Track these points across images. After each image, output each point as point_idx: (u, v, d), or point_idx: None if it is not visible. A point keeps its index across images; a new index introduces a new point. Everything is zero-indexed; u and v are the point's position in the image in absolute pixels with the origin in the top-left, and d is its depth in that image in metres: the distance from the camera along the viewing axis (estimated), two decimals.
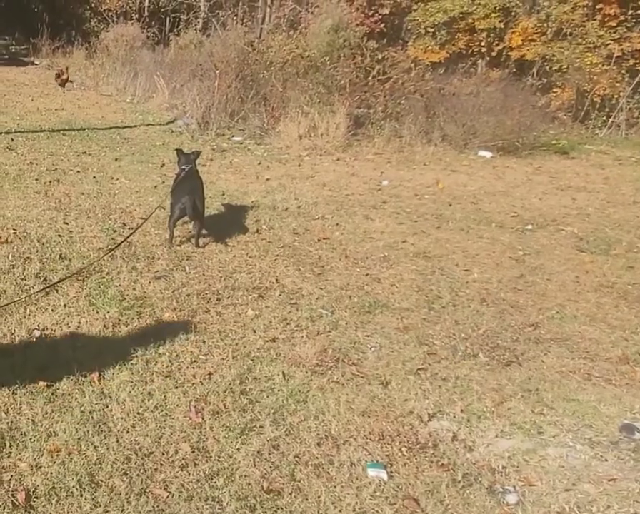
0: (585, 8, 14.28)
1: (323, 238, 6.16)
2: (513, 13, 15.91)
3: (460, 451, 3.14)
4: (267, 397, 3.49)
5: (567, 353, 4.18)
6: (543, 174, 9.75)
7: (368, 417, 3.37)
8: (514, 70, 15.52)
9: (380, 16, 18.09)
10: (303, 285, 5.05)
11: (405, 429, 3.26)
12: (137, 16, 28.87)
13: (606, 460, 3.05)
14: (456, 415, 3.42)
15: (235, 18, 21.21)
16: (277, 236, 6.16)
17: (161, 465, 2.91)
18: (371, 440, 3.17)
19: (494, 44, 16.24)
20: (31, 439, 2.99)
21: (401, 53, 15.87)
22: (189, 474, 2.86)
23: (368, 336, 4.30)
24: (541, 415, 3.41)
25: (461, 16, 16.26)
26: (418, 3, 17.32)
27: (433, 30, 16.78)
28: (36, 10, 35.52)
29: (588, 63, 13.53)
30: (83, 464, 2.86)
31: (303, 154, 10.12)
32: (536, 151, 11.11)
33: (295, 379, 3.67)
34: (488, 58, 16.49)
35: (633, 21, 13.52)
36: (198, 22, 25.12)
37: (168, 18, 29.54)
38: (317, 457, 3.03)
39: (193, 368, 3.75)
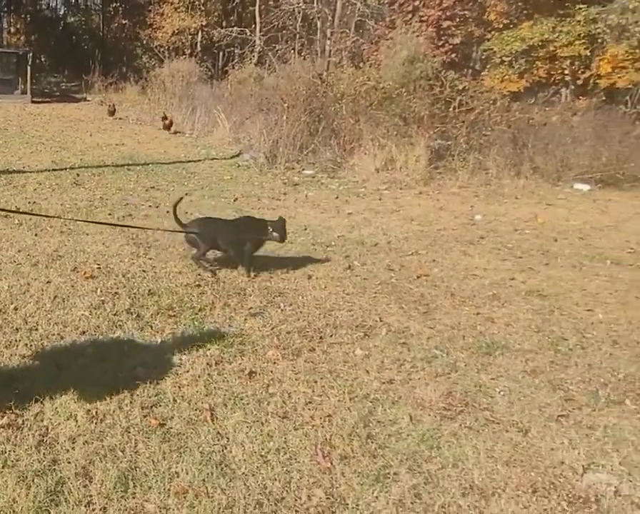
0: None
1: (423, 275, 6.10)
2: (600, 40, 15.80)
3: (627, 507, 2.97)
4: (396, 442, 3.40)
5: None
6: None
7: (514, 466, 3.24)
8: (603, 98, 15.34)
9: (451, 46, 18.30)
10: (410, 324, 4.98)
11: (560, 481, 3.11)
12: (189, 51, 29.98)
13: None
14: (614, 468, 3.25)
15: (292, 51, 21.83)
16: (372, 273, 6.14)
17: (296, 511, 2.85)
18: (523, 492, 3.04)
19: (580, 72, 16.13)
20: (154, 479, 2.98)
21: (474, 83, 15.97)
22: None
23: (493, 379, 4.18)
24: None
25: (540, 43, 16.26)
26: (493, 32, 17.42)
27: (510, 59, 16.79)
28: (86, 47, 37.34)
29: None
30: (214, 508, 2.82)
31: (382, 188, 10.17)
32: (639, 183, 10.86)
33: (423, 423, 3.58)
34: (573, 87, 16.36)
35: None
36: (254, 56, 25.84)
37: (221, 53, 30.57)
38: (465, 510, 2.92)
39: (310, 409, 3.70)
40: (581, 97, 15.59)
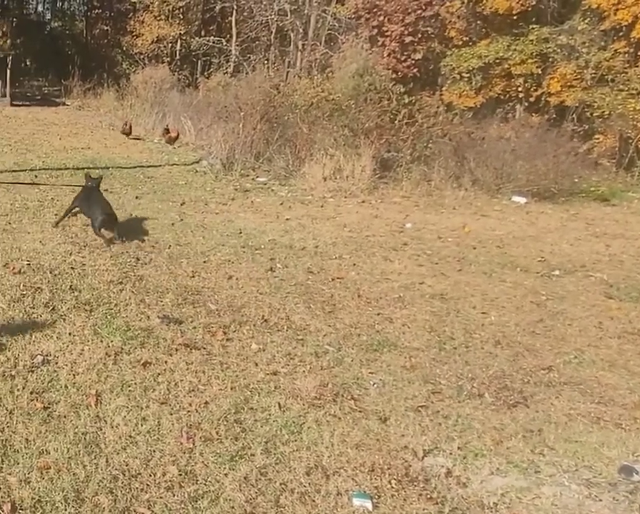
0: (626, 55, 14.50)
1: (338, 278, 6.35)
2: (550, 59, 16.19)
3: (452, 487, 3.23)
4: (261, 426, 3.64)
5: (579, 396, 4.24)
6: (580, 220, 9.83)
7: (362, 450, 3.49)
8: (554, 116, 15.72)
9: (413, 61, 18.60)
10: (311, 322, 5.23)
11: (397, 463, 3.37)
12: (169, 59, 30.11)
13: (601, 500, 3.11)
14: (453, 452, 3.51)
15: (266, 62, 22.03)
16: (291, 274, 6.38)
17: (147, 485, 3.08)
18: (361, 471, 3.29)
19: (532, 90, 16.50)
20: (22, 456, 3.20)
21: (434, 97, 16.30)
22: (174, 495, 3.02)
23: (372, 373, 4.44)
24: (540, 455, 3.48)
25: (496, 61, 16.60)
26: (452, 49, 17.75)
27: (468, 75, 17.12)
28: (69, 53, 37.26)
29: (632, 109, 13.65)
30: (71, 481, 3.05)
31: (327, 196, 10.42)
32: (574, 197, 11.21)
33: (291, 411, 3.83)
34: (526, 104, 16.73)
35: None
36: (230, 66, 26.05)
37: (199, 62, 30.75)
38: (304, 486, 3.16)
39: (191, 396, 3.93)
40: (533, 114, 15.98)
